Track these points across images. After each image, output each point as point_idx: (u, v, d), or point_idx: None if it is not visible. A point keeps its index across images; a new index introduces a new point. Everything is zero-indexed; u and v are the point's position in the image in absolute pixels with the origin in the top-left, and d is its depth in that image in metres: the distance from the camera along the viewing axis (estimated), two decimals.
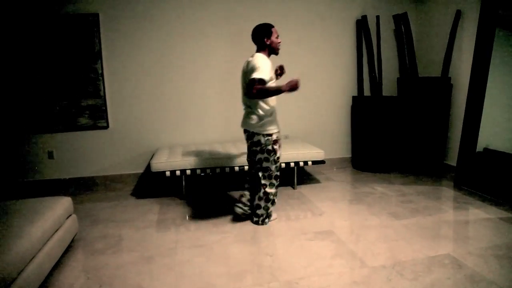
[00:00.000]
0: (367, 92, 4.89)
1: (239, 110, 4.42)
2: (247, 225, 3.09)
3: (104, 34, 4.07)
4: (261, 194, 2.99)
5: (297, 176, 4.13)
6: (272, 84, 2.79)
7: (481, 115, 3.82)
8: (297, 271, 2.33)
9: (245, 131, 2.99)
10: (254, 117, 2.85)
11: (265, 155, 2.89)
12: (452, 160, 4.39)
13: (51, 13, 3.90)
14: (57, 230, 2.43)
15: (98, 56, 4.06)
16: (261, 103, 2.82)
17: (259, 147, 2.89)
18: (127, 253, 2.64)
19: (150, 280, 2.27)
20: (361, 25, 4.76)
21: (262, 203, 3.01)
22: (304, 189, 4.06)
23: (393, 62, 4.98)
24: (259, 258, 2.52)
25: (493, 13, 3.67)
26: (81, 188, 4.22)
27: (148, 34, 4.19)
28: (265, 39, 2.82)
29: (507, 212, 3.23)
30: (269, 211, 3.06)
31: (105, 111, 4.17)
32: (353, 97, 4.86)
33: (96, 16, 4.00)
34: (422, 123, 4.46)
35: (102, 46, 4.08)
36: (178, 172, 3.66)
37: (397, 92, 4.85)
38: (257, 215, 3.06)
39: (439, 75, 4.49)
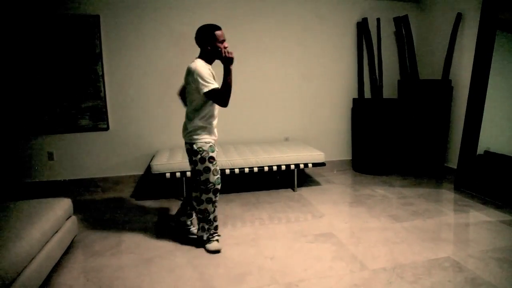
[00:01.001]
0: (367, 94, 4.89)
1: (240, 112, 4.44)
2: (248, 228, 3.08)
3: (104, 35, 4.08)
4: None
5: (298, 178, 4.13)
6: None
7: (481, 118, 3.82)
8: (297, 274, 2.32)
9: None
10: (189, 126, 2.62)
11: (193, 165, 2.67)
12: (453, 162, 4.38)
13: (51, 14, 3.91)
14: (56, 231, 2.42)
15: (99, 57, 4.06)
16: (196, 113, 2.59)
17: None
18: (127, 255, 2.64)
19: (149, 282, 2.26)
20: (362, 27, 4.77)
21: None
22: (304, 192, 4.06)
23: (394, 64, 4.99)
24: (259, 261, 2.51)
25: (494, 16, 3.68)
26: (81, 190, 4.22)
27: (148, 36, 4.19)
28: (208, 47, 2.54)
29: (507, 214, 3.22)
30: (206, 233, 2.72)
31: (105, 112, 4.17)
32: (354, 99, 4.86)
33: (96, 17, 4.01)
34: (423, 126, 4.46)
35: (103, 47, 4.08)
36: (178, 174, 3.65)
37: (397, 94, 4.84)
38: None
39: (440, 78, 4.50)
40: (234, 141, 4.51)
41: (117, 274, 2.36)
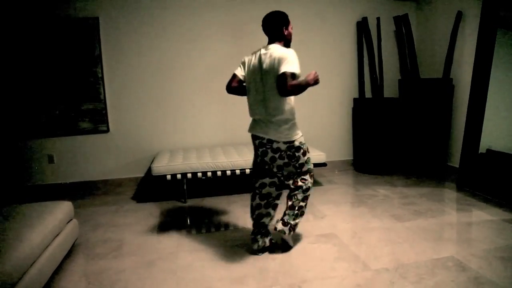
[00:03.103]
0: (368, 94, 4.88)
1: (240, 113, 4.42)
2: (248, 229, 3.06)
3: (104, 38, 4.08)
4: None
5: None
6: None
7: (483, 116, 3.80)
8: (300, 275, 2.31)
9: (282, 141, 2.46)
10: (284, 123, 2.46)
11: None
12: (455, 161, 4.37)
13: (51, 16, 3.91)
14: (57, 234, 2.42)
15: (98, 59, 4.06)
16: (288, 105, 2.47)
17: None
18: (128, 257, 2.63)
19: (151, 284, 2.26)
20: (362, 26, 4.76)
21: None
22: None
23: (394, 63, 4.97)
24: (261, 262, 2.50)
25: (494, 14, 3.66)
26: (81, 193, 4.21)
27: (148, 38, 4.19)
28: (284, 29, 2.50)
29: (510, 213, 3.20)
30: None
31: (105, 115, 4.17)
32: (354, 99, 4.85)
33: (96, 20, 4.01)
34: (424, 125, 4.44)
35: (102, 49, 4.08)
36: (179, 176, 3.64)
37: (398, 93, 4.83)
38: None
39: (441, 76, 4.48)
40: (235, 142, 4.50)
41: (118, 277, 2.35)
